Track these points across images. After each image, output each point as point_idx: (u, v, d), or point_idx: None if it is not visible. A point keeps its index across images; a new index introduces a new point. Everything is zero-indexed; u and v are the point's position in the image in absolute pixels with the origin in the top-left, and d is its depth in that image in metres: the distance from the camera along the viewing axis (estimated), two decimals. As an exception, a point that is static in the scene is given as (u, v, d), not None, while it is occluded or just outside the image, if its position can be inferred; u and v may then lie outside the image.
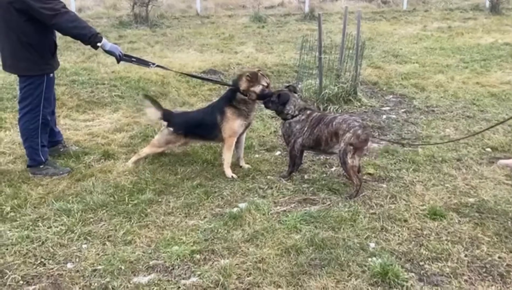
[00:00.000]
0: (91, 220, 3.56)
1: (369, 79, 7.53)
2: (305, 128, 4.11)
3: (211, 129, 4.32)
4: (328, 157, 4.60)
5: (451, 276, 2.95)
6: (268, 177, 4.26)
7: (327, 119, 4.07)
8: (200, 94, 6.81)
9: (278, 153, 4.80)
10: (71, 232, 3.39)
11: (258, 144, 5.04)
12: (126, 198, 3.84)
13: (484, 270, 3.01)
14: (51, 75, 4.23)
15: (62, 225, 3.47)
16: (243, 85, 4.22)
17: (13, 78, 7.00)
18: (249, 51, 9.60)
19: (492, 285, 2.87)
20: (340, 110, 6.02)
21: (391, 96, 6.81)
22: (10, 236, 3.32)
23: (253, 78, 4.21)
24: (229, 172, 4.26)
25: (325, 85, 6.20)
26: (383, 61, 8.80)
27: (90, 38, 3.96)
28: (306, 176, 4.31)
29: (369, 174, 4.30)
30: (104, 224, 3.50)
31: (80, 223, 3.50)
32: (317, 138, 4.06)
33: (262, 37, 11.31)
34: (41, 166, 4.27)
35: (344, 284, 2.85)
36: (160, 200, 3.85)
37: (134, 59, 4.46)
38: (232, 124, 4.25)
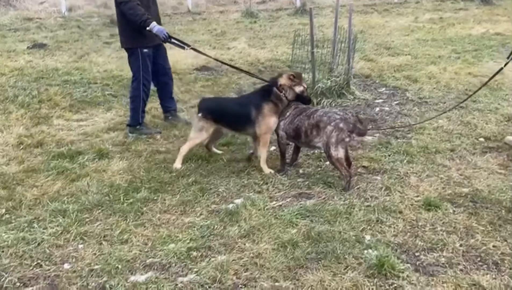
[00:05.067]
0: (87, 220, 3.55)
1: (362, 72, 7.54)
2: (287, 114, 4.22)
3: (243, 122, 4.32)
4: (322, 151, 4.61)
5: (447, 265, 2.97)
6: (263, 172, 4.26)
7: (309, 111, 4.16)
8: (193, 90, 6.81)
9: (273, 148, 4.80)
10: (67, 232, 3.38)
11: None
12: (122, 197, 3.83)
13: (479, 259, 3.04)
14: (145, 50, 5.05)
15: (57, 225, 3.46)
16: (282, 81, 4.25)
17: (5, 80, 6.99)
18: (242, 46, 9.58)
19: (487, 274, 2.89)
20: (333, 104, 6.03)
21: (384, 88, 6.82)
22: (6, 238, 3.30)
23: (298, 77, 4.32)
24: (266, 169, 4.24)
25: (318, 79, 6.21)
26: (376, 54, 8.81)
27: (140, 23, 4.85)
28: (301, 171, 4.32)
29: (364, 167, 4.31)
30: (100, 224, 3.49)
31: (76, 223, 3.49)
32: (296, 128, 4.12)
33: (254, 33, 11.28)
34: (137, 127, 5.17)
35: (341, 276, 2.87)
36: (155, 198, 3.85)
37: (175, 40, 5.00)
38: (269, 121, 4.22)
